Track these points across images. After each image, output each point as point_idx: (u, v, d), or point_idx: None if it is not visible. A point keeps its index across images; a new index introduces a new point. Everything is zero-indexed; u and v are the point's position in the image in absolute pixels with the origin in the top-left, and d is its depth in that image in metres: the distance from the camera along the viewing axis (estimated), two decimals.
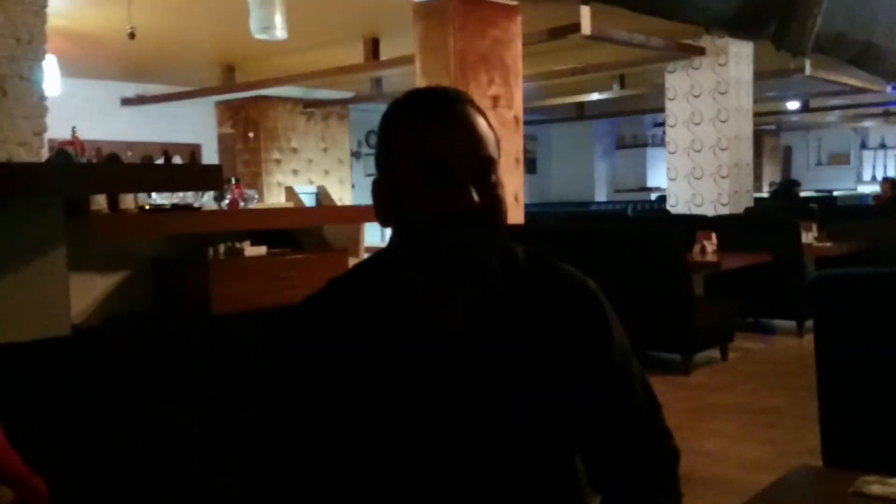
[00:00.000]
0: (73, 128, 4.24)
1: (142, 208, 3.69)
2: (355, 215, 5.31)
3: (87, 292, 3.39)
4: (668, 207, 8.98)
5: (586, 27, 6.28)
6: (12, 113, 3.57)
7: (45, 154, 3.94)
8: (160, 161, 6.58)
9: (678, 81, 8.66)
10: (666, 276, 5.26)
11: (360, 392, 1.15)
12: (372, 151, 13.80)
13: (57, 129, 4.30)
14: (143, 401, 1.57)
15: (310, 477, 1.16)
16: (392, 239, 1.19)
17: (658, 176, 14.66)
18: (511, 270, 1.20)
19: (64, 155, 3.96)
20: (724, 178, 8.42)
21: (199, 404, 1.64)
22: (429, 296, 1.17)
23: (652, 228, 6.63)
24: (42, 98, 3.78)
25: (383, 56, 8.23)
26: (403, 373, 1.15)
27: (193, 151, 11.07)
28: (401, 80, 8.95)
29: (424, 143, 1.11)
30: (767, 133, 16.60)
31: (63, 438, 1.44)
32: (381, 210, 1.18)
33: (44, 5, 3.75)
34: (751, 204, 8.72)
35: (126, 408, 1.54)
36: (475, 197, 1.09)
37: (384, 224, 1.18)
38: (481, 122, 1.15)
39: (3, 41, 3.55)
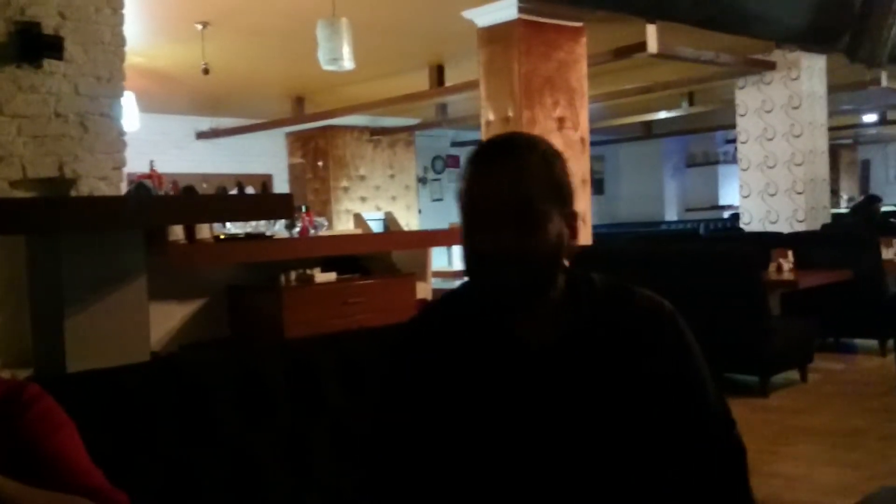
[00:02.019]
0: (152, 161, 4.40)
1: (217, 238, 3.80)
2: (422, 240, 5.36)
3: (165, 320, 3.49)
4: (741, 225, 8.79)
5: (653, 46, 6.22)
6: (93, 148, 3.73)
7: (123, 187, 4.10)
8: (234, 192, 6.76)
9: (749, 97, 8.50)
10: (742, 296, 5.13)
11: (454, 404, 1.23)
12: (437, 177, 13.92)
13: (135, 163, 4.47)
14: (221, 424, 1.61)
15: (422, 472, 1.25)
16: None
17: (730, 194, 14.35)
18: (590, 294, 1.27)
19: (142, 188, 4.11)
20: (799, 193, 8.21)
21: (277, 427, 1.67)
22: (511, 318, 1.24)
23: (726, 247, 6.48)
24: (121, 133, 3.94)
25: (448, 82, 8.31)
26: (490, 388, 1.23)
27: (265, 182, 11.35)
28: (466, 106, 9.02)
29: (466, 188, 1.21)
30: (844, 147, 16.14)
31: (145, 461, 1.48)
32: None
33: (122, 45, 3.93)
34: (828, 220, 8.48)
35: (205, 431, 1.59)
36: (503, 245, 1.16)
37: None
38: (528, 170, 1.20)
39: (84, 80, 3.72)
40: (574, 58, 5.88)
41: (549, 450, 1.21)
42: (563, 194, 1.23)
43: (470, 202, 1.21)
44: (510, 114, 5.64)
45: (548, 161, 1.22)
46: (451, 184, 13.95)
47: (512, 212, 1.17)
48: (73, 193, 3.59)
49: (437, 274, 7.19)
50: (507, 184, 1.18)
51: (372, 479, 1.31)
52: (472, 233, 1.20)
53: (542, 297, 1.22)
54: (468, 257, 1.22)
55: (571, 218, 1.24)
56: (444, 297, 1.36)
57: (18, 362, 2.70)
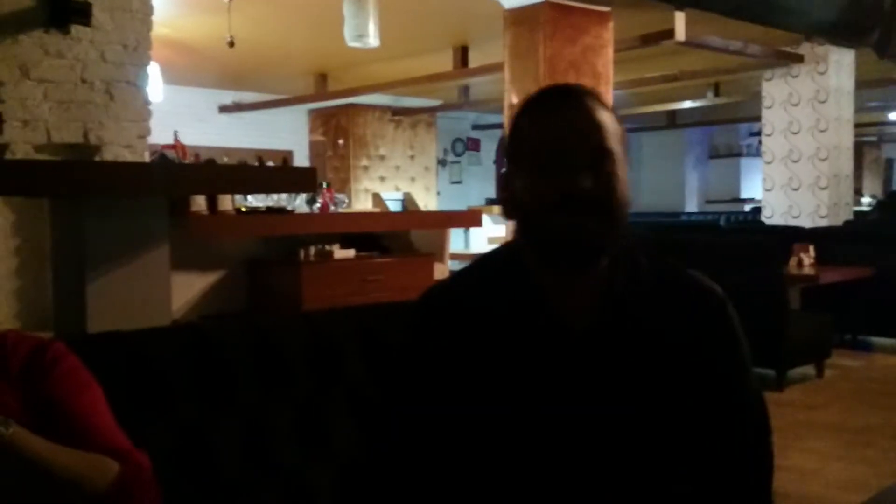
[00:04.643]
0: (176, 132, 4.39)
1: (238, 210, 3.80)
2: (442, 221, 5.36)
3: (185, 290, 3.50)
4: (763, 219, 8.73)
5: (680, 33, 6.16)
6: (119, 116, 3.74)
7: (146, 157, 4.10)
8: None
9: (775, 89, 8.42)
10: (760, 289, 5.10)
11: (480, 382, 1.17)
12: (457, 159, 13.87)
13: (158, 134, 4.47)
14: (239, 391, 1.62)
15: (434, 454, 1.19)
16: (516, 231, 1.22)
17: (752, 187, 14.25)
18: (635, 272, 1.20)
19: (164, 158, 4.13)
20: (822, 189, 8.13)
21: (294, 397, 1.68)
22: (551, 288, 1.18)
23: (746, 239, 6.43)
24: (146, 102, 3.95)
25: (472, 64, 8.26)
26: (523, 365, 1.16)
27: (286, 157, 11.35)
28: (489, 88, 8.98)
29: (541, 132, 1.15)
30: (868, 144, 15.98)
31: (162, 424, 1.49)
32: (505, 200, 1.21)
33: (149, 13, 3.92)
34: (851, 217, 8.40)
35: (223, 397, 1.60)
36: (587, 183, 1.11)
37: (508, 215, 1.21)
38: (601, 114, 1.16)
39: (111, 47, 3.72)
40: (600, 43, 5.83)
41: (573, 434, 1.15)
42: (624, 141, 1.19)
43: (542, 143, 1.14)
44: None
45: (607, 107, 1.19)
46: (470, 167, 13.92)
47: (587, 153, 1.13)
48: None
49: (455, 256, 7.19)
50: (581, 123, 1.14)
51: (382, 456, 1.25)
52: (545, 175, 1.13)
53: (609, 250, 1.16)
54: (538, 202, 1.14)
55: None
56: (475, 263, 1.28)
57: (38, 326, 2.73)
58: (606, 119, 1.16)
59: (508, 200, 1.21)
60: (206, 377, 1.58)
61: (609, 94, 5.94)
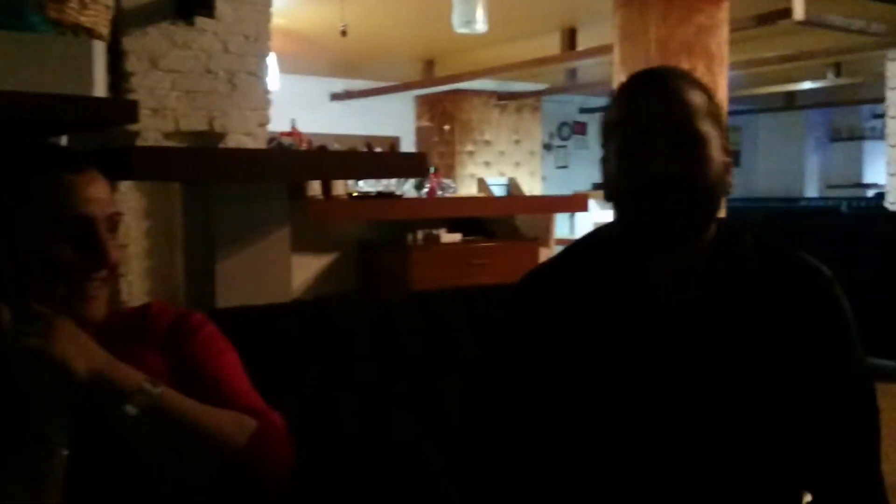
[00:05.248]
0: (293, 120, 4.55)
1: (350, 195, 3.92)
2: (547, 206, 5.35)
3: (301, 272, 3.63)
4: (887, 205, 8.32)
5: (799, 12, 5.93)
6: (240, 105, 3.90)
7: (265, 145, 4.26)
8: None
9: None
10: (884, 278, 4.90)
11: (577, 359, 1.19)
12: (563, 144, 13.74)
13: (274, 122, 4.64)
14: (357, 366, 1.70)
15: (531, 425, 1.23)
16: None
17: (876, 171, 13.56)
18: (738, 251, 1.21)
19: (280, 145, 4.28)
20: None
21: (407, 372, 1.75)
22: (649, 267, 1.20)
23: (868, 226, 6.16)
24: (266, 92, 4.10)
25: (580, 46, 8.17)
26: (621, 342, 1.18)
27: (393, 144, 11.54)
28: (597, 71, 8.86)
29: (626, 117, 1.18)
30: None
31: (289, 391, 1.57)
32: (603, 184, 1.24)
33: (268, 4, 4.07)
34: None
35: (342, 371, 1.68)
36: (670, 166, 1.12)
37: (607, 198, 1.23)
38: (690, 95, 1.16)
39: (233, 38, 3.88)
40: (714, 23, 5.67)
41: (671, 411, 1.16)
42: (719, 121, 1.18)
43: (627, 127, 1.17)
44: None
45: (700, 87, 1.19)
46: (577, 151, 13.77)
47: (670, 135, 1.13)
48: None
49: (560, 241, 7.16)
50: (665, 106, 1.15)
51: (475, 424, 1.31)
52: (630, 159, 1.16)
53: (699, 234, 1.18)
54: (625, 186, 1.17)
55: (727, 152, 1.20)
56: (580, 240, 1.32)
57: (169, 303, 2.89)
58: (696, 100, 1.16)
59: (604, 184, 1.23)
60: (327, 351, 1.67)
61: (723, 75, 5.78)
